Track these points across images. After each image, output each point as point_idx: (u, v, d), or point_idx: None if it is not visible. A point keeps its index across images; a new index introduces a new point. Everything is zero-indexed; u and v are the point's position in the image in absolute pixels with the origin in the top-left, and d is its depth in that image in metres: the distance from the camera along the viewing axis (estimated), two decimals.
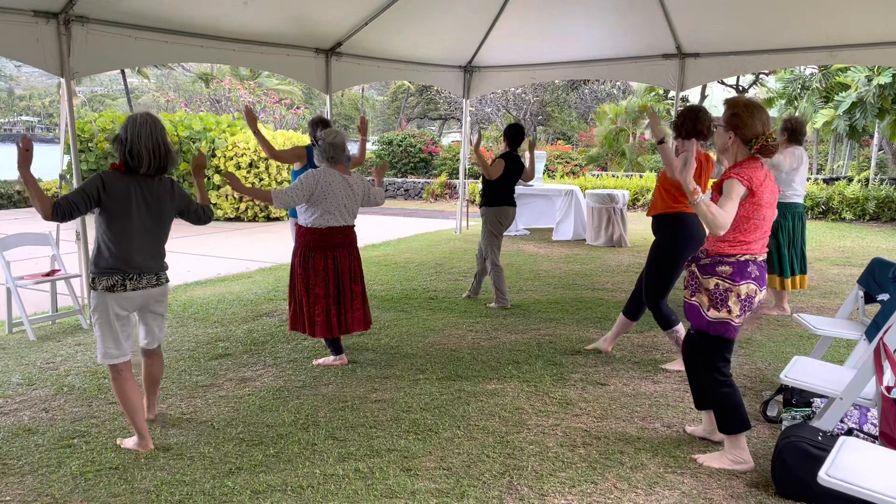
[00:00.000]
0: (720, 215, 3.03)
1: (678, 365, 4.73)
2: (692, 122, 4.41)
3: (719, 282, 3.15)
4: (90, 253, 3.44)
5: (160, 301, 3.65)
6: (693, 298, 3.24)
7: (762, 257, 3.21)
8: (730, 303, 3.15)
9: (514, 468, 3.33)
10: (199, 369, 4.81)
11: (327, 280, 4.65)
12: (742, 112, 3.11)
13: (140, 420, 3.56)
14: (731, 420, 3.31)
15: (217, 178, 13.63)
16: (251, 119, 5.74)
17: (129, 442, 3.63)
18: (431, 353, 5.14)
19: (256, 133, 5.79)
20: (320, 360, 4.93)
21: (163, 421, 3.89)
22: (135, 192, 3.42)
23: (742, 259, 3.14)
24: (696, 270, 3.24)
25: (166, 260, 3.67)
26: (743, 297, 3.15)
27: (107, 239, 3.40)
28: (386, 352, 5.18)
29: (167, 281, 3.66)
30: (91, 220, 3.58)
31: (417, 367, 4.82)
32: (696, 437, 3.67)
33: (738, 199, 3.06)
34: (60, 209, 3.27)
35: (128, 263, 3.42)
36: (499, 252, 6.51)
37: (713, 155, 4.82)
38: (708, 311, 3.18)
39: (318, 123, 5.95)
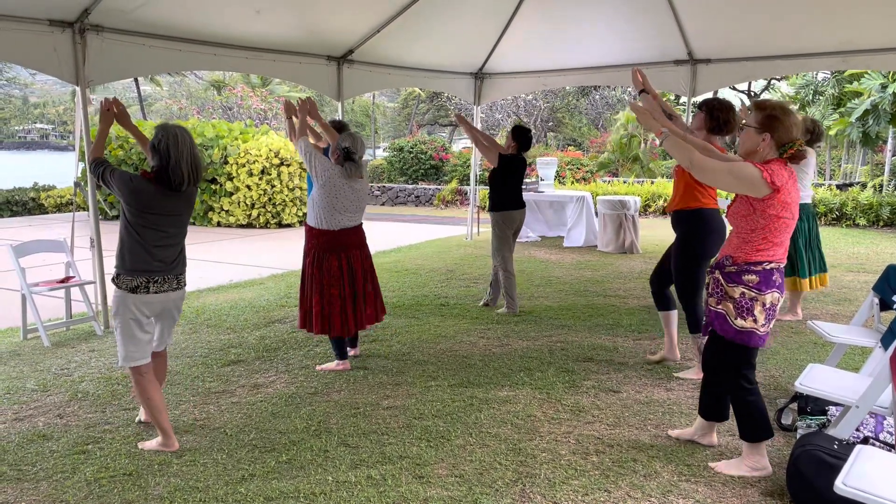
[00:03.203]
0: (695, 153, 3.15)
1: (692, 374, 4.70)
2: (728, 115, 4.38)
3: (745, 290, 3.13)
4: (117, 250, 3.53)
5: (178, 304, 3.72)
6: (719, 307, 3.21)
7: (784, 263, 3.19)
8: (755, 312, 3.12)
9: (527, 476, 3.32)
10: (212, 376, 4.82)
11: (342, 280, 4.71)
12: (780, 115, 3.09)
13: (164, 419, 3.64)
14: (758, 428, 3.29)
15: (229, 185, 13.70)
16: (289, 110, 5.46)
17: (152, 443, 3.67)
18: (443, 359, 5.14)
19: (289, 119, 5.76)
20: (324, 366, 4.97)
21: (176, 427, 3.90)
22: (163, 202, 3.51)
23: (768, 267, 3.11)
24: (721, 278, 3.21)
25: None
26: (768, 305, 3.13)
27: (134, 241, 3.48)
28: (397, 358, 5.18)
29: (185, 285, 3.72)
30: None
31: (429, 373, 4.82)
32: (707, 445, 3.64)
33: (737, 177, 3.04)
34: (94, 166, 3.58)
35: (154, 266, 3.51)
36: (510, 257, 6.49)
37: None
38: (735, 320, 3.15)
39: (337, 128, 5.86)
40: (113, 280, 3.53)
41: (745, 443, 3.35)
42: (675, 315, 4.90)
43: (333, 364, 4.93)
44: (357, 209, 4.80)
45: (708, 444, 3.62)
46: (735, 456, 3.47)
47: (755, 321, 3.13)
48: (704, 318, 3.41)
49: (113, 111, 3.87)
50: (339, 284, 4.70)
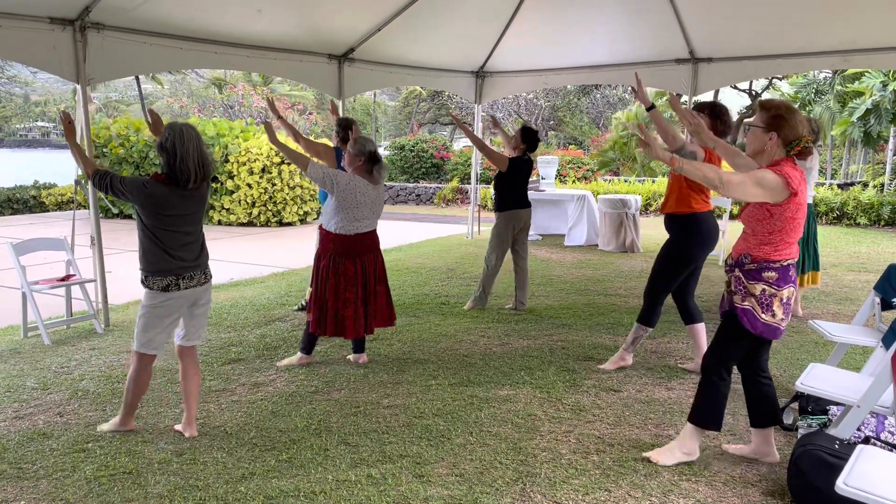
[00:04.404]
0: (719, 172, 3.13)
1: (615, 363, 4.87)
2: (730, 118, 4.47)
3: (766, 287, 3.18)
4: (140, 253, 3.58)
5: (207, 296, 3.77)
6: (745, 303, 3.24)
7: (796, 258, 3.25)
8: (774, 307, 3.18)
9: (527, 475, 3.32)
10: (212, 374, 4.82)
11: (356, 284, 4.71)
12: (785, 113, 3.14)
13: (136, 401, 3.78)
14: (711, 417, 3.37)
15: (230, 184, 13.69)
16: (270, 133, 5.42)
17: (110, 424, 3.82)
18: (443, 358, 5.13)
19: (278, 144, 5.73)
20: (282, 361, 5.03)
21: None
22: (178, 202, 3.54)
23: (785, 264, 3.18)
24: (742, 276, 3.24)
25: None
26: (785, 300, 3.20)
27: (154, 245, 3.52)
28: (398, 357, 5.18)
29: (212, 276, 3.79)
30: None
31: (429, 372, 4.81)
32: (712, 445, 3.64)
33: (759, 187, 3.05)
34: (98, 180, 3.54)
35: (181, 264, 3.57)
36: (503, 256, 6.50)
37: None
38: (762, 315, 3.20)
39: (344, 125, 5.86)
40: (142, 282, 3.57)
41: (689, 425, 3.41)
42: (702, 327, 4.79)
43: (296, 358, 4.99)
44: (375, 215, 4.80)
45: (771, 461, 3.45)
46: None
47: (773, 315, 3.19)
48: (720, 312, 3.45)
49: (74, 123, 3.85)
50: (353, 288, 4.70)
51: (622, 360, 4.91)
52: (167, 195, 3.50)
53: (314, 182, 4.67)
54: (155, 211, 3.49)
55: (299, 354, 5.00)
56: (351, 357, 5.06)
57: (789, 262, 3.19)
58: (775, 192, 3.05)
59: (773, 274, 3.17)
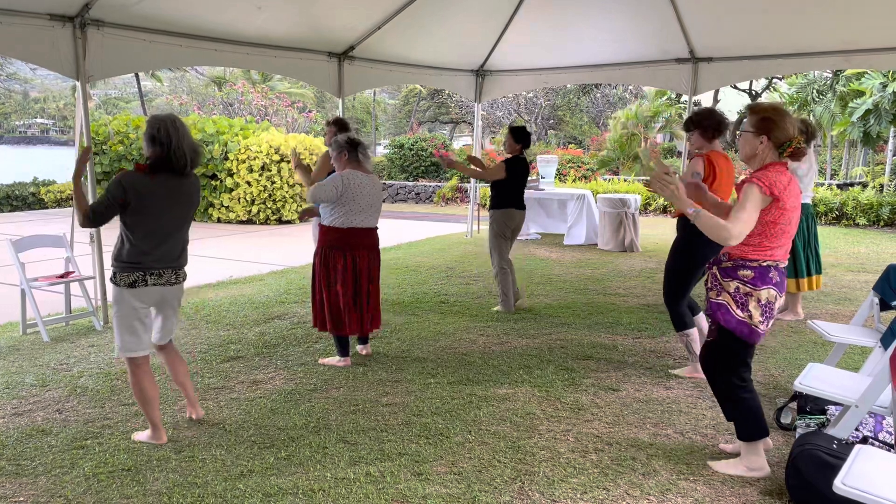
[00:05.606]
0: (727, 226, 3.01)
1: (689, 372, 4.70)
2: (716, 118, 4.49)
3: (740, 285, 3.15)
4: (114, 247, 3.53)
5: (177, 296, 3.72)
6: (720, 298, 3.23)
7: (784, 263, 3.20)
8: (750, 307, 3.14)
9: (526, 473, 3.32)
10: (211, 372, 4.82)
11: (346, 279, 4.72)
12: (774, 115, 3.11)
13: (154, 412, 3.66)
14: (753, 427, 3.28)
15: (230, 181, 13.69)
16: (296, 160, 5.56)
17: (143, 435, 3.70)
18: (442, 356, 5.13)
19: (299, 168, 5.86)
20: (326, 360, 5.00)
21: (175, 423, 3.91)
22: (161, 192, 3.49)
23: (764, 264, 3.13)
24: (718, 273, 3.24)
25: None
26: (763, 301, 3.14)
27: (131, 236, 3.47)
28: (397, 355, 5.18)
29: (185, 278, 3.72)
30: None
31: (428, 371, 4.82)
32: (710, 445, 3.64)
33: (755, 206, 3.03)
34: (93, 218, 3.49)
35: (151, 261, 3.51)
36: (507, 253, 6.49)
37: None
38: (736, 310, 3.17)
39: (336, 125, 5.89)
40: (111, 279, 3.53)
41: (741, 443, 3.34)
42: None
43: (335, 360, 4.95)
44: (372, 209, 4.80)
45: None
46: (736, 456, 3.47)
47: (750, 316, 3.15)
48: (706, 311, 3.40)
49: (84, 159, 3.83)
50: (342, 282, 4.72)
51: (696, 371, 4.63)
52: (147, 184, 3.44)
53: (326, 204, 4.71)
54: (135, 203, 3.41)
55: (337, 356, 4.99)
56: (358, 348, 5.07)
57: (769, 263, 3.13)
58: (762, 201, 3.03)
59: (748, 272, 3.13)
